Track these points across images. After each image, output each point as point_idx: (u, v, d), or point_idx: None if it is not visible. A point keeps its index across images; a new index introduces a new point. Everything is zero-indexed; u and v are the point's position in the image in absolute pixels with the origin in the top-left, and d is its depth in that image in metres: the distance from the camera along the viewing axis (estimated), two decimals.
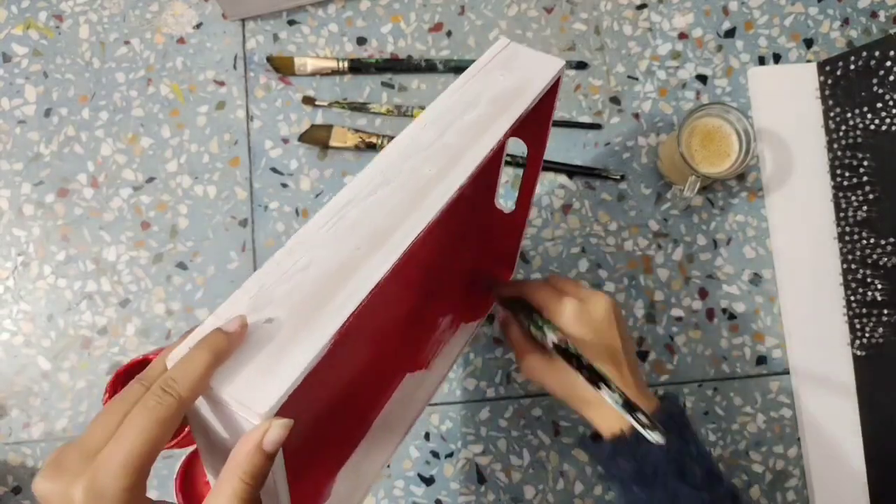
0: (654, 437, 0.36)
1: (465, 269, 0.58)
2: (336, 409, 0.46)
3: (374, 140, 0.61)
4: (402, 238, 0.31)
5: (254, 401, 0.25)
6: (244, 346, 0.27)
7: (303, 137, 0.62)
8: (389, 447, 0.48)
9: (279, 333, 0.27)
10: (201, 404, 0.27)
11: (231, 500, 0.25)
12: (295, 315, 0.28)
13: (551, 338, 0.42)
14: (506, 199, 0.62)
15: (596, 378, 0.38)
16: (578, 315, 0.45)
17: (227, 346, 0.26)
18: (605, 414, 0.45)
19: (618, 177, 0.62)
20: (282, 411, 0.26)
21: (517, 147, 0.63)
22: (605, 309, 0.46)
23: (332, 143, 0.62)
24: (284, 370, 0.26)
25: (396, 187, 0.33)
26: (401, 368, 0.52)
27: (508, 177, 0.63)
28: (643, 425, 0.36)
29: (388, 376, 0.51)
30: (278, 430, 0.26)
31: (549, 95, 0.41)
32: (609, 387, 0.37)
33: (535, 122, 0.43)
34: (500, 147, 0.40)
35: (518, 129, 0.39)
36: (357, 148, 0.62)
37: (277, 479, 0.29)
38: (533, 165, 0.47)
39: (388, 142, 0.61)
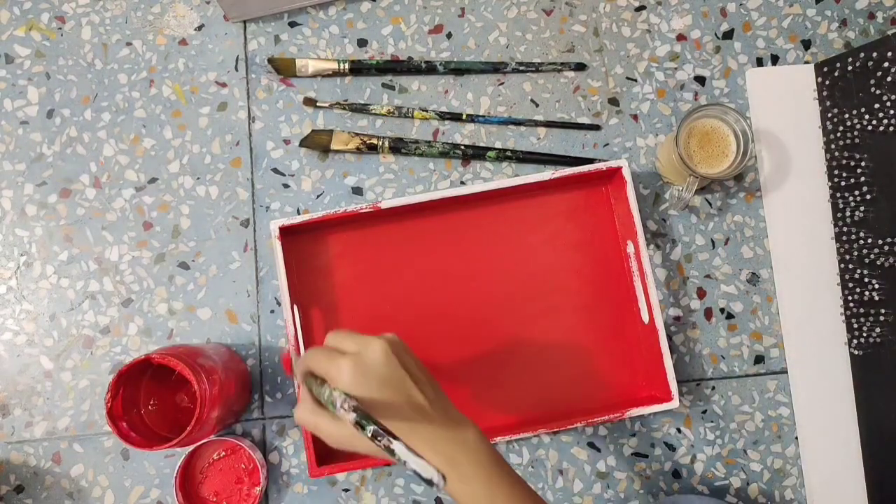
0: (436, 483, 0.37)
1: None
2: None
3: (374, 141, 0.62)
4: None
5: None
6: None
7: (304, 142, 0.62)
8: None
9: None
10: None
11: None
12: None
13: (342, 415, 0.40)
14: None
15: (386, 439, 0.38)
16: (356, 373, 0.42)
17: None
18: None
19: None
20: None
21: (523, 142, 0.63)
22: (381, 353, 0.43)
23: (334, 146, 0.62)
24: None
25: None
26: None
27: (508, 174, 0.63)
28: (423, 477, 0.37)
29: None
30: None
31: None
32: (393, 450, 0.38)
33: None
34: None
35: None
36: (358, 150, 0.62)
37: None
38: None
39: (389, 143, 0.62)
